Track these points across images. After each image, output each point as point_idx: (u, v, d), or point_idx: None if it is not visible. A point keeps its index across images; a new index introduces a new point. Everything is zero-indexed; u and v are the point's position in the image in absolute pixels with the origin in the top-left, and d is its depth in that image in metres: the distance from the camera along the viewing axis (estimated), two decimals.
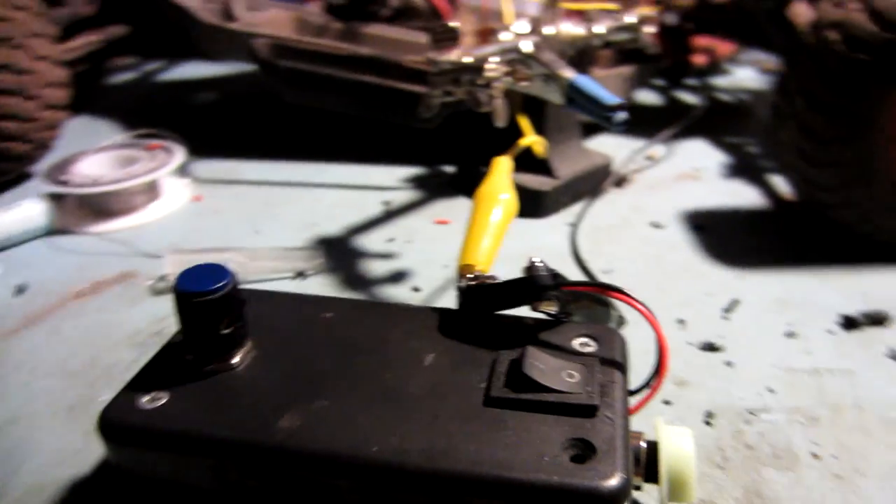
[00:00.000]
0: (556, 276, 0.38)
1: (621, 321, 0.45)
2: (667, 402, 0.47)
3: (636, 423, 0.36)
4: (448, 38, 0.67)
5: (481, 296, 0.40)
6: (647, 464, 0.35)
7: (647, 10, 0.87)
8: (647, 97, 1.20)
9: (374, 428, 0.32)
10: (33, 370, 0.52)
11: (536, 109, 0.75)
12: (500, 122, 0.63)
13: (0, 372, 0.52)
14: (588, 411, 0.33)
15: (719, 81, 1.29)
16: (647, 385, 0.38)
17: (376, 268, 0.66)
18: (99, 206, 0.77)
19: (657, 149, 0.95)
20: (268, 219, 0.77)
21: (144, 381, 0.35)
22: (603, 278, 0.63)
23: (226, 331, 0.35)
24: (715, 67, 1.32)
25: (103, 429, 0.33)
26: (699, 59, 1.28)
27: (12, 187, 0.87)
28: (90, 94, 1.19)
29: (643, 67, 1.05)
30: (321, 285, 0.63)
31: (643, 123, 0.96)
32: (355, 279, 0.64)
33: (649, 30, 0.87)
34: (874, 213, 0.63)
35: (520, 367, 0.34)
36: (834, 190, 0.64)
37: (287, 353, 0.38)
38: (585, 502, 0.29)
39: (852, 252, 0.66)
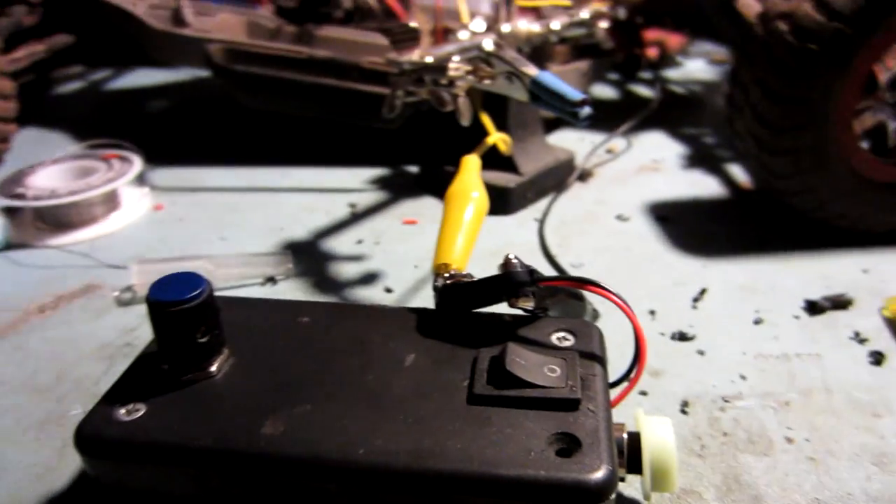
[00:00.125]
0: (532, 272, 0.39)
1: (595, 314, 0.46)
2: (643, 393, 0.48)
3: (615, 414, 0.36)
4: (408, 38, 0.67)
5: (458, 294, 0.40)
6: (629, 455, 0.35)
7: (600, 6, 0.88)
8: (603, 91, 1.21)
9: (360, 430, 0.32)
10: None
11: (498, 107, 0.75)
12: (465, 121, 0.63)
13: None
14: (571, 405, 0.33)
15: (671, 74, 1.32)
16: (626, 377, 0.39)
17: (347, 270, 0.65)
18: (57, 219, 0.75)
19: (617, 142, 0.96)
20: (233, 225, 0.76)
21: (120, 392, 0.35)
22: (573, 272, 0.63)
23: (203, 339, 0.35)
24: (666, 60, 1.34)
25: (80, 443, 0.33)
26: (651, 53, 1.30)
27: None
28: (37, 105, 1.16)
29: (598, 62, 1.06)
30: (292, 290, 0.62)
31: (601, 117, 0.97)
32: (326, 282, 0.63)
33: (603, 25, 0.88)
34: (830, 199, 0.65)
35: (501, 363, 0.34)
36: (790, 177, 0.65)
37: (265, 360, 0.37)
38: (573, 496, 0.30)
39: (811, 238, 0.68)
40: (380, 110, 0.68)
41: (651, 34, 1.32)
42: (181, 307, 0.34)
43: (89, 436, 0.33)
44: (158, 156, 0.92)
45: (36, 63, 1.09)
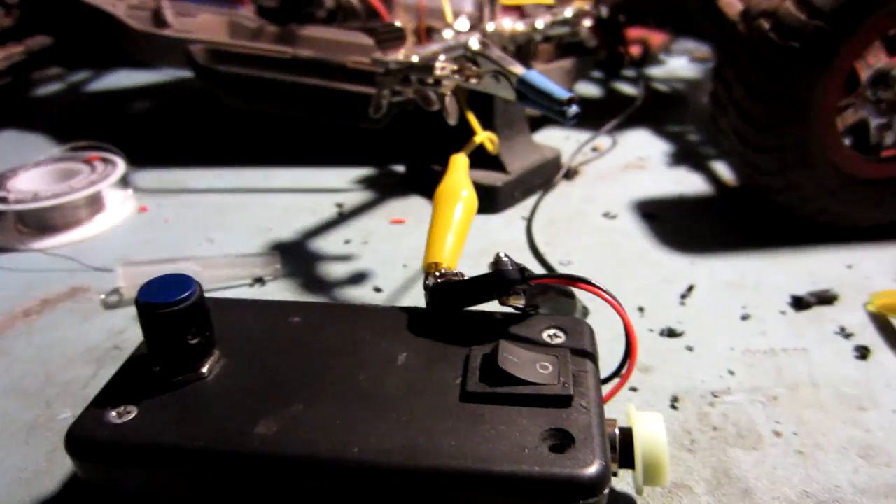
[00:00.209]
0: (523, 269, 0.39)
1: (585, 311, 0.46)
2: (633, 389, 0.48)
3: (607, 410, 0.36)
4: (393, 37, 0.67)
5: (449, 293, 0.40)
6: (622, 450, 0.35)
7: (583, 4, 0.89)
8: (587, 89, 1.22)
9: (353, 429, 0.32)
10: None
11: (484, 106, 0.75)
12: (452, 120, 0.63)
13: None
14: (563, 401, 0.33)
15: (654, 72, 1.32)
16: (617, 374, 0.39)
17: (336, 270, 0.65)
18: (41, 222, 0.74)
19: (602, 140, 0.97)
20: (219, 227, 0.75)
21: (111, 395, 0.35)
22: (561, 270, 0.64)
23: (193, 341, 0.35)
24: (649, 58, 1.35)
25: (71, 446, 0.32)
26: (634, 51, 1.31)
27: None
28: (16, 108, 1.14)
29: (582, 60, 1.06)
30: (281, 291, 0.62)
31: (586, 115, 0.97)
32: (315, 283, 0.63)
33: (586, 23, 0.89)
34: (814, 195, 0.65)
35: (493, 361, 0.35)
36: (775, 174, 0.66)
37: (257, 360, 0.37)
38: (567, 491, 0.30)
39: (796, 234, 0.68)
40: (365, 110, 0.68)
41: (634, 32, 1.33)
42: (171, 309, 0.33)
43: (80, 439, 0.32)
44: (142, 158, 0.91)
45: (14, 65, 1.08)
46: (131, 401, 0.34)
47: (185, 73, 1.05)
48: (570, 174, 0.85)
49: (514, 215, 0.76)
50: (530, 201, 0.79)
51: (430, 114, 0.65)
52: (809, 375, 0.49)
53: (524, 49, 0.81)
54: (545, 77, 0.52)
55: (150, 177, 0.89)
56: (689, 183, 0.83)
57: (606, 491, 0.30)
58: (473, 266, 0.41)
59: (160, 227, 0.76)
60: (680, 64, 1.37)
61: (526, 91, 0.53)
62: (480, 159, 0.70)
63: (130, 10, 0.97)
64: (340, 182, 0.86)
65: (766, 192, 0.69)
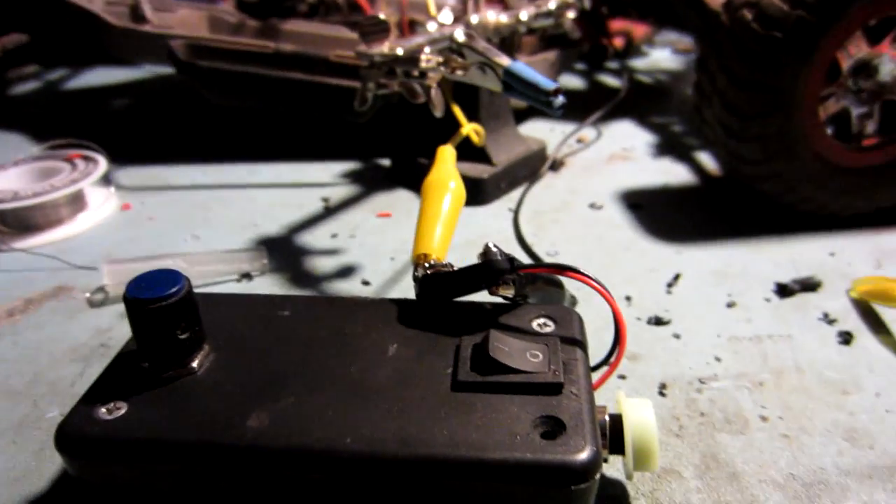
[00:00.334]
0: (512, 260, 0.39)
1: (573, 301, 0.46)
2: (622, 377, 0.48)
3: (596, 398, 0.37)
4: (378, 30, 0.67)
5: (439, 284, 0.41)
6: (612, 436, 0.36)
7: None
8: (570, 81, 1.22)
9: (346, 420, 0.32)
10: None
11: (469, 98, 0.75)
12: (438, 112, 0.63)
13: None
14: (554, 389, 0.34)
15: (637, 63, 1.33)
16: (606, 361, 0.39)
17: (323, 264, 0.65)
18: (22, 221, 0.73)
19: (587, 132, 0.97)
20: (204, 223, 0.75)
21: (100, 392, 0.34)
22: (549, 261, 0.64)
23: (183, 336, 0.35)
24: (632, 50, 1.36)
25: (61, 443, 0.32)
26: (617, 43, 1.32)
27: None
28: None
29: (566, 52, 1.07)
30: (269, 285, 0.62)
31: (571, 107, 0.97)
32: (303, 277, 0.63)
33: (570, 15, 0.89)
34: (797, 184, 0.66)
35: (484, 350, 0.35)
36: (759, 163, 0.66)
37: (247, 354, 0.37)
38: (559, 476, 0.30)
39: (779, 222, 0.69)
40: (349, 104, 0.68)
41: (616, 24, 1.33)
42: (160, 304, 0.33)
43: (70, 435, 0.32)
44: (123, 155, 0.90)
45: None
46: (121, 397, 0.34)
47: (165, 70, 1.04)
48: (556, 166, 0.86)
49: (501, 207, 0.76)
50: (516, 193, 0.79)
51: (415, 107, 0.65)
52: (794, 361, 0.50)
53: (508, 41, 0.81)
54: (531, 68, 0.53)
55: (132, 174, 0.89)
56: (674, 173, 0.83)
57: (598, 476, 0.30)
58: (461, 258, 0.41)
59: (144, 225, 0.76)
60: (663, 55, 1.37)
61: (512, 82, 0.53)
62: (466, 151, 0.70)
63: (108, 5, 0.96)
64: (326, 176, 0.86)
65: (750, 182, 0.70)
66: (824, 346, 0.52)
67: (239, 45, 0.88)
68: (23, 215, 0.73)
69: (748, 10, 0.63)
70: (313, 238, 0.70)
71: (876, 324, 0.54)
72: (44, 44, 1.21)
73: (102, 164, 0.79)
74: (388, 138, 0.92)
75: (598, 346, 0.40)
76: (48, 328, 0.57)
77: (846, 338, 0.52)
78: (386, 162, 0.89)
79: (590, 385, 0.35)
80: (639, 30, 1.37)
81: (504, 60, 0.54)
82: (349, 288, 0.61)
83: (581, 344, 0.37)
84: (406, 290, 0.60)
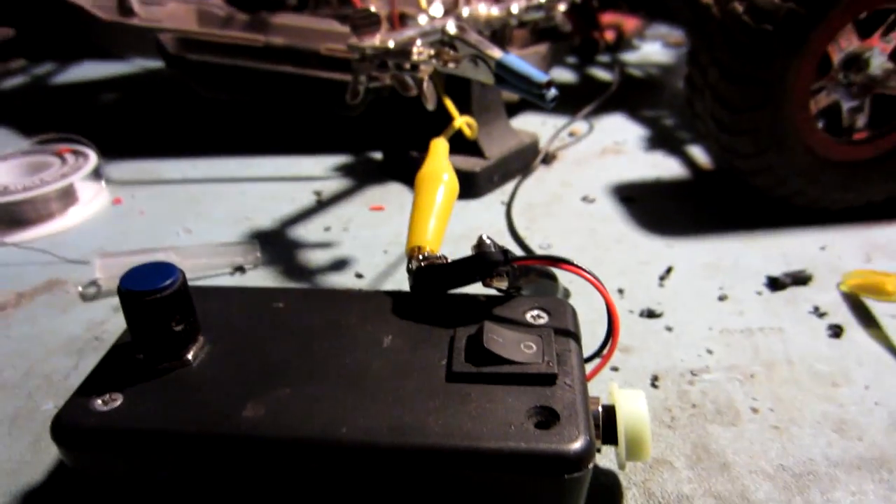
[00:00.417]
0: (505, 251, 0.39)
1: (567, 293, 0.46)
2: (615, 369, 0.49)
3: (589, 389, 0.37)
4: (369, 23, 0.67)
5: (433, 276, 0.41)
6: (605, 426, 0.36)
7: None
8: (562, 75, 1.22)
9: (341, 410, 0.32)
10: None
11: (461, 92, 0.75)
12: (430, 105, 0.63)
13: None
14: (548, 380, 0.34)
15: (628, 57, 1.33)
16: (599, 353, 0.39)
17: (316, 257, 0.65)
18: (12, 216, 0.73)
19: (579, 125, 0.97)
20: (196, 217, 0.75)
21: (96, 383, 0.34)
22: (542, 254, 0.64)
23: (178, 328, 0.35)
24: (623, 43, 1.36)
25: (57, 434, 0.32)
26: (608, 36, 1.32)
27: None
28: None
29: (557, 45, 1.07)
30: (262, 278, 0.62)
31: (562, 101, 0.97)
32: (296, 270, 0.63)
33: (561, 8, 0.89)
34: (788, 177, 0.66)
35: (478, 342, 0.35)
36: (750, 157, 0.67)
37: (242, 346, 0.37)
38: (553, 465, 0.30)
39: (770, 216, 0.69)
40: (340, 97, 0.68)
41: (607, 17, 1.34)
42: (155, 296, 0.33)
43: (66, 426, 0.32)
44: (114, 149, 0.90)
45: None
46: (116, 388, 0.34)
47: (155, 64, 1.04)
48: (548, 159, 0.86)
49: (493, 200, 0.76)
50: (509, 186, 0.79)
51: (407, 100, 0.65)
52: (785, 354, 0.50)
53: (499, 34, 0.81)
54: (523, 60, 0.53)
55: (123, 168, 0.88)
56: (666, 167, 0.84)
57: (591, 465, 0.31)
58: (454, 251, 0.41)
59: (136, 219, 0.75)
60: (654, 49, 1.38)
61: (505, 74, 0.53)
62: (458, 144, 0.70)
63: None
64: (318, 170, 0.86)
65: (742, 175, 0.70)
66: (815, 339, 0.52)
67: (228, 38, 0.88)
68: (13, 210, 0.73)
69: (739, 3, 0.63)
70: (306, 231, 0.70)
71: (866, 317, 0.54)
72: (31, 38, 1.20)
73: (92, 158, 0.79)
74: (379, 132, 0.92)
75: (590, 338, 0.40)
76: (41, 322, 0.57)
77: (836, 331, 0.53)
78: (378, 155, 0.89)
79: (583, 376, 0.35)
80: (630, 23, 1.37)
81: (496, 53, 0.54)
82: (343, 281, 0.61)
83: (574, 335, 0.38)
84: (400, 282, 0.60)
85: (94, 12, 0.92)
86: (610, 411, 0.36)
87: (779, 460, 0.41)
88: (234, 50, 0.87)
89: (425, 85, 0.61)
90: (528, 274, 0.42)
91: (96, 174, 0.81)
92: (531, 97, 0.51)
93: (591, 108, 1.00)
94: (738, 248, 0.65)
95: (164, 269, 0.35)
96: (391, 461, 0.31)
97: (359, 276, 0.62)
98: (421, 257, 0.42)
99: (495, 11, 0.77)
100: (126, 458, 0.32)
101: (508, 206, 0.74)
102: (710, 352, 0.51)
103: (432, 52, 0.61)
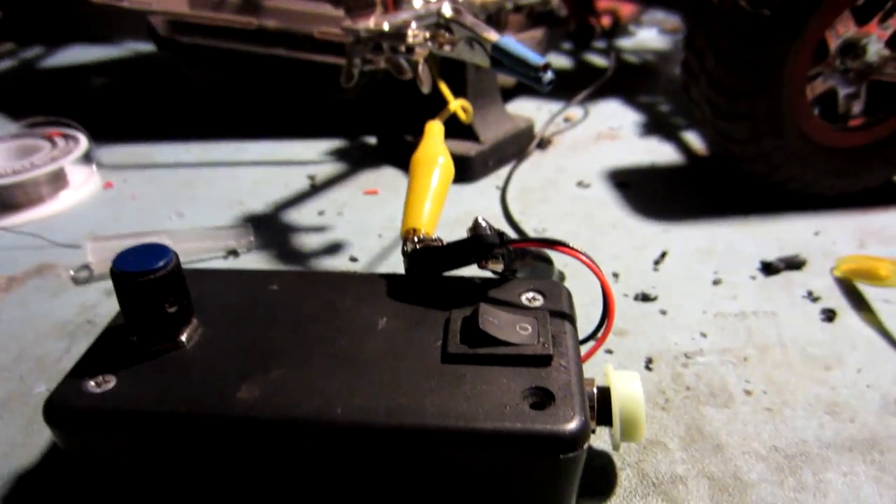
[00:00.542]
0: (501, 234, 0.39)
1: (562, 276, 0.46)
2: (609, 352, 0.49)
3: (584, 372, 0.37)
4: (363, 4, 0.66)
5: (428, 258, 0.40)
6: (600, 408, 0.36)
7: None
8: (557, 60, 1.22)
9: (337, 391, 0.32)
10: None
11: (456, 75, 0.75)
12: (425, 88, 0.62)
13: None
14: (543, 361, 0.34)
15: (624, 43, 1.33)
16: (594, 335, 0.39)
17: (310, 241, 0.65)
18: (3, 199, 0.72)
19: (574, 110, 0.97)
20: (189, 201, 0.74)
21: (89, 366, 0.34)
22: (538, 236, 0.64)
23: (171, 309, 0.34)
24: (619, 29, 1.35)
25: (50, 416, 0.32)
26: (604, 21, 1.31)
27: None
28: None
29: (553, 30, 1.06)
30: (256, 262, 0.62)
31: (558, 86, 0.97)
32: (290, 253, 0.63)
33: None
34: (784, 163, 0.66)
35: (474, 323, 0.35)
36: (746, 142, 0.67)
37: (236, 328, 0.37)
38: (549, 446, 0.30)
39: (765, 202, 0.69)
40: (334, 81, 0.67)
41: (603, 3, 1.33)
42: (149, 277, 0.33)
43: (59, 408, 0.32)
44: (104, 133, 0.89)
45: None
46: (110, 370, 0.34)
47: (146, 47, 1.03)
48: (543, 144, 0.86)
49: (488, 185, 0.76)
50: (504, 171, 0.79)
51: (402, 83, 0.64)
52: (778, 337, 0.51)
53: (494, 18, 0.80)
54: (520, 43, 0.52)
55: (114, 152, 0.88)
56: (661, 152, 0.83)
57: (586, 446, 0.31)
58: (448, 236, 0.41)
59: (127, 203, 0.75)
60: (650, 35, 1.37)
61: (501, 57, 0.52)
62: (453, 128, 0.70)
63: None
64: (311, 154, 0.86)
65: (737, 161, 0.70)
66: (808, 323, 0.52)
67: (220, 20, 0.87)
68: (3, 193, 0.72)
69: None
70: (300, 215, 0.70)
71: (858, 302, 0.54)
72: (19, 21, 1.19)
73: (83, 141, 0.78)
74: (374, 116, 0.91)
75: (584, 321, 0.40)
76: (33, 305, 0.56)
77: (829, 315, 0.53)
78: (372, 140, 0.89)
79: (578, 357, 0.35)
80: (625, 9, 1.37)
81: (492, 35, 0.54)
82: (337, 264, 0.61)
83: (570, 317, 0.37)
84: (394, 266, 0.60)
85: None
86: (605, 392, 0.36)
87: (771, 442, 0.41)
88: (227, 32, 0.87)
89: (420, 68, 0.61)
90: (523, 257, 0.42)
91: (87, 158, 0.81)
92: (528, 80, 0.51)
93: (586, 94, 0.99)
94: (732, 233, 0.65)
95: (158, 251, 0.34)
96: (387, 442, 0.30)
97: (353, 259, 0.61)
98: (416, 239, 0.42)
99: None
100: (119, 439, 0.32)
101: (503, 190, 0.74)
102: (703, 335, 0.51)
103: (428, 34, 0.60)
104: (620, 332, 0.51)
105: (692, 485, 0.38)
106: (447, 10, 0.59)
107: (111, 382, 0.33)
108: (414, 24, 0.62)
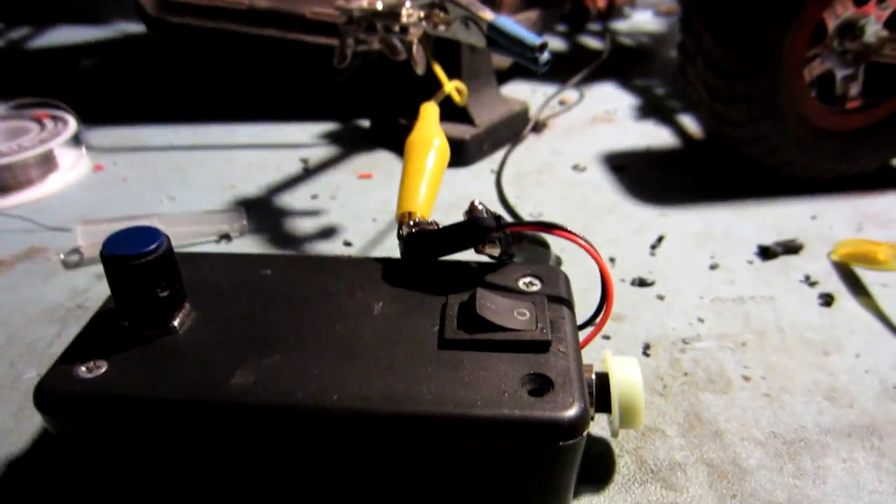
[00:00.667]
0: (498, 217, 0.38)
1: (559, 261, 0.46)
2: (606, 338, 0.48)
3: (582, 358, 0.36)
4: None
5: (424, 242, 0.40)
6: (598, 394, 0.35)
7: None
8: (552, 43, 1.21)
9: (332, 377, 0.31)
10: None
11: (451, 58, 0.74)
12: (420, 69, 0.62)
13: None
14: (541, 347, 0.33)
15: (619, 25, 1.32)
16: (592, 321, 0.39)
17: (304, 225, 0.64)
18: None
19: (569, 93, 0.96)
20: (180, 184, 0.73)
21: (79, 351, 0.33)
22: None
23: (163, 293, 0.34)
24: (614, 11, 1.34)
25: (40, 401, 0.31)
26: (598, 3, 1.30)
27: None
28: None
29: (547, 12, 1.05)
30: (248, 246, 0.61)
31: (553, 69, 0.96)
32: (284, 238, 0.62)
33: None
34: (781, 146, 0.66)
35: (471, 308, 0.34)
36: (743, 125, 0.66)
37: (229, 313, 0.36)
38: (547, 433, 0.30)
39: (762, 185, 0.69)
40: (326, 62, 0.66)
41: None
42: (140, 261, 0.32)
43: (50, 394, 0.31)
44: (94, 115, 0.88)
45: None
46: (101, 355, 0.33)
47: (135, 27, 1.01)
48: (539, 127, 0.85)
49: (483, 168, 0.75)
50: (499, 154, 0.78)
51: (396, 65, 0.63)
52: (776, 322, 0.50)
53: None
54: (516, 23, 0.51)
55: (104, 135, 0.86)
56: (657, 136, 0.83)
57: (585, 433, 0.30)
58: (443, 220, 0.40)
59: (118, 186, 0.74)
60: (645, 18, 1.36)
61: (497, 37, 0.52)
62: (448, 111, 0.69)
63: None
64: (304, 137, 0.85)
65: (734, 144, 0.70)
66: (806, 308, 0.52)
67: (210, 0, 0.86)
68: None
69: None
70: (293, 199, 0.69)
71: (856, 286, 0.54)
72: (6, 0, 1.17)
73: (72, 123, 0.77)
74: (367, 98, 0.90)
75: (581, 307, 0.39)
76: (22, 290, 0.56)
77: (827, 300, 0.52)
78: (366, 122, 0.88)
79: (577, 343, 0.35)
80: None
81: (488, 15, 0.53)
82: (331, 249, 0.60)
83: (568, 302, 0.37)
84: (389, 250, 0.59)
85: None
86: (603, 379, 0.36)
87: (770, 428, 0.41)
88: (217, 12, 0.85)
89: (415, 48, 0.60)
90: (520, 241, 0.41)
91: (76, 140, 0.79)
92: (524, 61, 0.50)
93: (581, 77, 0.99)
94: (729, 217, 0.64)
95: (149, 234, 0.34)
96: (383, 428, 0.30)
97: (347, 244, 0.61)
98: (412, 223, 0.41)
99: None
100: (111, 425, 0.31)
101: (498, 174, 0.73)
102: (701, 320, 0.50)
103: (422, 14, 0.60)
104: (617, 317, 0.51)
105: (691, 471, 0.38)
106: None
107: (102, 368, 0.32)
108: (408, 4, 0.61)
